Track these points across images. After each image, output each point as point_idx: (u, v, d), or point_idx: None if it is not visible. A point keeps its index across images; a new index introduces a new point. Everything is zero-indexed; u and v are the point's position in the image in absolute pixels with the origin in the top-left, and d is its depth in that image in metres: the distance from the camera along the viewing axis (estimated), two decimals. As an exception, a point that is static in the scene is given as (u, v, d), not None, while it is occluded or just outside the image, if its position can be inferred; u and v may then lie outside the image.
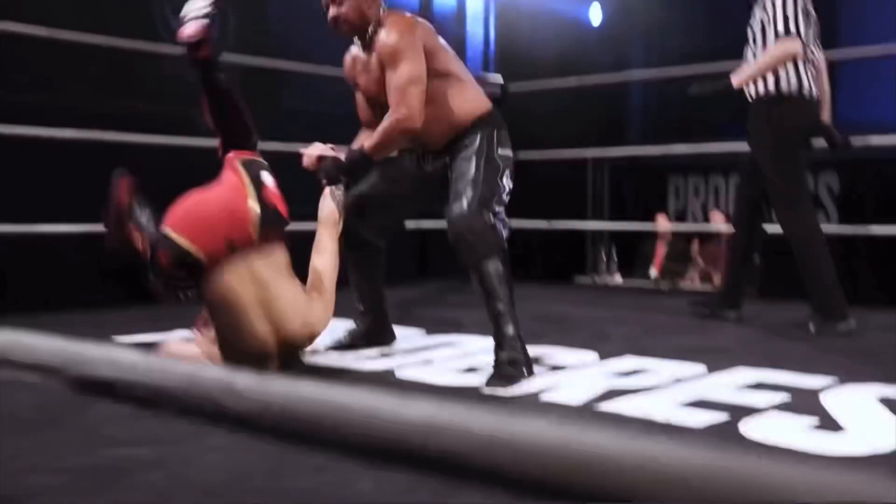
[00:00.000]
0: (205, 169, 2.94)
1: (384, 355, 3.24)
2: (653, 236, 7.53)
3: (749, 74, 4.04)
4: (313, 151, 3.00)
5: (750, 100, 4.23)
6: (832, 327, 3.79)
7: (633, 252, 7.81)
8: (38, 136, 4.38)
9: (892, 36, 9.45)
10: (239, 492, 1.75)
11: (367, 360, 3.16)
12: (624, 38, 10.25)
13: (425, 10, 9.70)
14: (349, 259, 3.19)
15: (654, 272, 7.28)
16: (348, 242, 3.11)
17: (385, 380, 2.85)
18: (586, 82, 6.53)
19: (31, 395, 2.29)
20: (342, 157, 2.95)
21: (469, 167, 2.89)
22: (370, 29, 2.96)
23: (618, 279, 7.32)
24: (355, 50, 3.14)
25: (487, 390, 2.68)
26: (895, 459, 1.93)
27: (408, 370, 2.96)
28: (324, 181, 2.97)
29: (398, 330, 3.45)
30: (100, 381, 0.66)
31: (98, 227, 4.24)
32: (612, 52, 9.91)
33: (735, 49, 4.95)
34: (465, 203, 2.81)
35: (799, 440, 2.09)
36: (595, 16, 10.62)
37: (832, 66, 10.31)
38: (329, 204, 2.94)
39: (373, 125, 3.07)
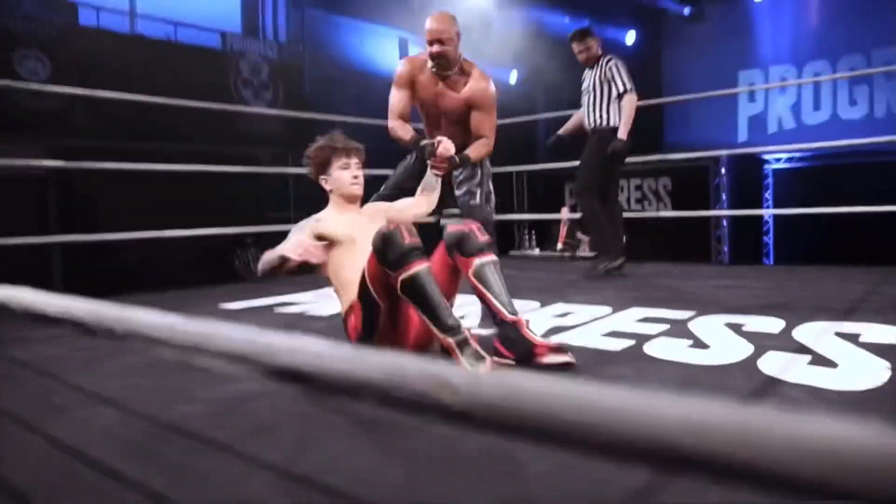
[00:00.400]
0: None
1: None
2: (557, 222, 7.52)
3: (627, 127, 4.07)
4: (450, 148, 2.54)
5: (589, 129, 4.27)
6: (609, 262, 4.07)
7: (545, 232, 7.81)
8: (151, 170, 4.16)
9: (699, 86, 9.53)
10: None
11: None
12: (532, 91, 10.20)
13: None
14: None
15: (559, 246, 7.27)
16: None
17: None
18: (513, 121, 6.40)
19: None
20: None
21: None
22: (455, 68, 2.79)
23: (536, 251, 7.30)
24: (418, 65, 2.84)
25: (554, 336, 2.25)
26: (745, 365, 1.91)
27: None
28: (438, 172, 2.54)
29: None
30: (295, 371, 0.53)
31: (202, 231, 4.11)
32: (526, 99, 9.87)
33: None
34: (478, 198, 2.71)
35: (681, 356, 2.07)
36: (513, 77, 10.55)
37: (661, 107, 10.37)
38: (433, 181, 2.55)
39: (408, 120, 2.86)
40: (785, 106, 9.96)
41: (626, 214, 4.75)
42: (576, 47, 4.30)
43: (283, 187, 7.83)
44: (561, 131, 4.70)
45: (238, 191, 6.74)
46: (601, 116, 4.16)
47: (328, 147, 2.37)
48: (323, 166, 2.36)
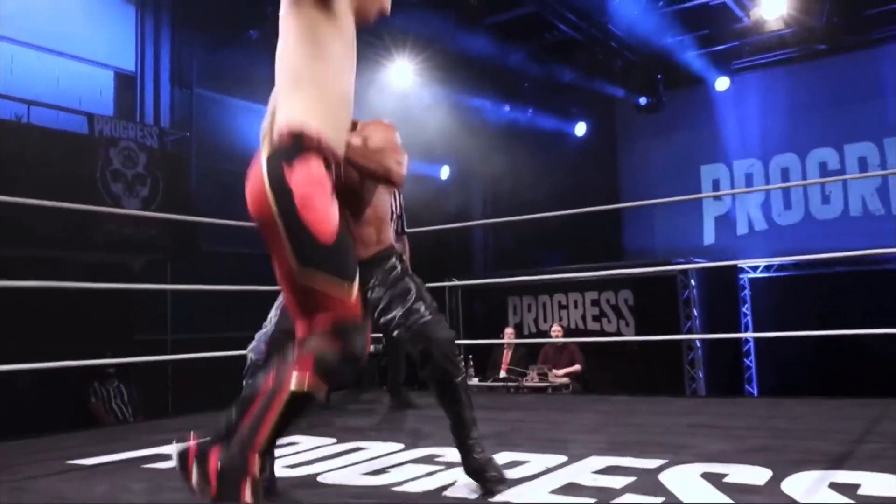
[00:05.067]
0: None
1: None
2: (500, 346, 7.61)
3: None
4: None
5: None
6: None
7: (485, 359, 7.85)
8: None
9: (659, 183, 10.10)
10: None
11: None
12: (468, 190, 10.55)
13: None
14: None
15: (502, 374, 7.31)
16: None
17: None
18: (444, 228, 6.57)
19: None
20: None
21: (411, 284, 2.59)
22: None
23: (475, 381, 7.30)
24: None
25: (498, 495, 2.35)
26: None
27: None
28: None
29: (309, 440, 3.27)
30: None
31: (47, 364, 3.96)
32: (461, 200, 10.19)
33: (554, 201, 5.15)
34: (442, 321, 2.53)
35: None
36: (444, 173, 10.92)
37: (618, 212, 10.88)
38: None
39: None
40: (754, 204, 10.65)
41: (582, 338, 4.89)
42: None
43: (158, 304, 7.66)
44: None
45: (101, 309, 6.56)
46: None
47: None
48: None
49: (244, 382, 2.79)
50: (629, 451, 2.93)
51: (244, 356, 5.06)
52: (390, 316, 2.54)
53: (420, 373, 2.55)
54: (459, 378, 2.48)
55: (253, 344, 2.94)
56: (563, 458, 2.87)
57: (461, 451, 2.49)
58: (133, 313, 7.22)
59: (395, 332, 2.55)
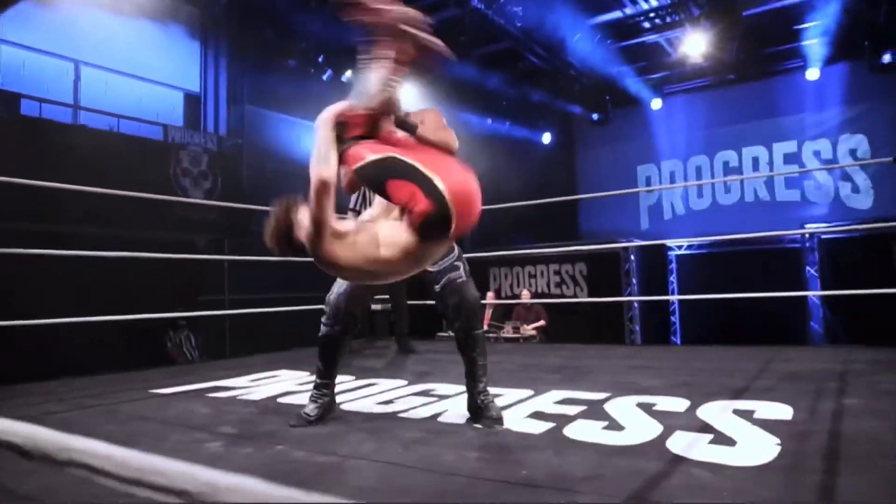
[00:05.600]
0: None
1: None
2: (483, 305, 7.61)
3: None
4: None
5: None
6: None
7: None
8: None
9: (607, 179, 10.09)
10: None
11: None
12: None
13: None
14: (342, 343, 2.55)
15: (485, 326, 7.31)
16: (347, 328, 2.51)
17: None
18: None
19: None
20: None
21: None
22: None
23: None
24: None
25: (487, 428, 2.25)
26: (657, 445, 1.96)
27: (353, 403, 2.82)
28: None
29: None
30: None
31: (135, 316, 3.96)
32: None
33: (526, 193, 5.11)
34: (472, 283, 2.45)
35: (598, 437, 2.10)
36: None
37: (576, 203, 10.82)
38: None
39: None
40: (676, 195, 10.70)
41: (547, 300, 4.92)
42: None
43: (218, 272, 7.65)
44: None
45: (175, 275, 6.54)
46: None
47: None
48: None
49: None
50: (581, 386, 2.95)
51: (285, 312, 5.06)
52: (437, 268, 2.45)
53: (448, 323, 2.48)
54: (480, 331, 2.42)
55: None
56: (531, 392, 2.89)
57: (469, 391, 2.39)
58: (199, 279, 7.20)
59: (438, 284, 2.45)
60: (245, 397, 3.09)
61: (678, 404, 2.48)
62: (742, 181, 10.05)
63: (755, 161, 10.04)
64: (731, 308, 7.51)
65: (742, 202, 10.12)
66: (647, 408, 2.44)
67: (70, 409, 2.89)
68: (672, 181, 10.66)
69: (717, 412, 2.33)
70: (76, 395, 3.24)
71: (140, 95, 7.48)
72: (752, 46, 8.98)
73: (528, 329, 7.37)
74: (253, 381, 3.53)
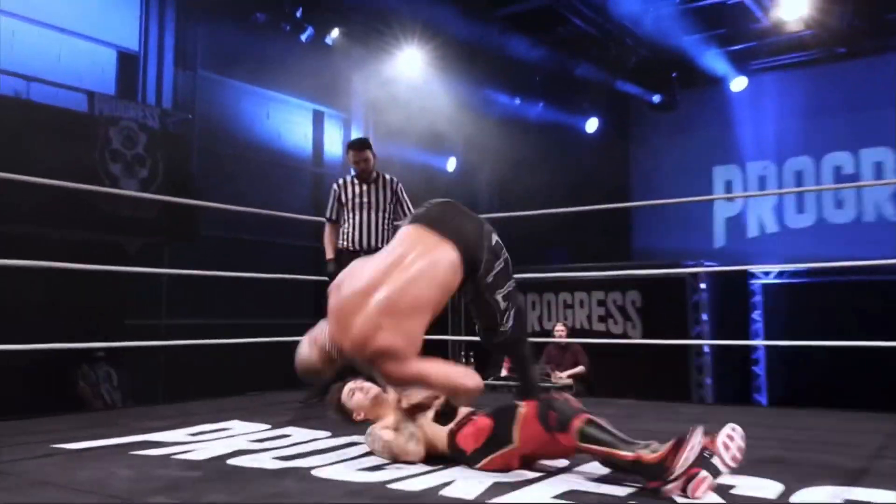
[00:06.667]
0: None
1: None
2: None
3: None
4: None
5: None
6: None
7: (486, 357, 7.80)
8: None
9: (671, 182, 10.05)
10: None
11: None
12: (475, 183, 10.51)
13: (317, 158, 9.72)
14: None
15: (503, 373, 7.26)
16: None
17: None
18: None
19: None
20: None
21: None
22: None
23: (475, 379, 7.27)
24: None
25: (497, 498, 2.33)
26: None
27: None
28: None
29: (304, 432, 3.22)
30: None
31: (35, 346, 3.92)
32: (467, 193, 10.20)
33: (563, 197, 5.11)
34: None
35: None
36: (451, 165, 10.88)
37: (628, 212, 10.93)
38: None
39: None
40: (766, 207, 10.62)
41: (588, 339, 4.89)
42: (351, 157, 4.77)
43: (153, 288, 7.63)
44: (331, 268, 4.81)
45: (94, 291, 6.53)
46: (385, 235, 4.67)
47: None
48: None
49: None
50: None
51: (241, 345, 5.01)
52: None
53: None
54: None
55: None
56: (565, 463, 2.82)
57: None
58: (126, 297, 7.19)
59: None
60: (183, 456, 3.03)
61: (768, 488, 2.41)
62: (860, 193, 9.94)
63: (878, 167, 9.94)
64: (839, 358, 7.40)
65: (859, 222, 10.00)
66: (723, 491, 2.37)
67: None
68: (762, 188, 10.60)
69: (822, 502, 2.25)
70: None
71: (59, 52, 7.51)
72: (870, 10, 8.95)
73: (563, 377, 7.30)
74: (193, 434, 3.48)
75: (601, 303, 9.01)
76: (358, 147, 4.76)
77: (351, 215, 4.76)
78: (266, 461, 2.82)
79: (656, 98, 11.05)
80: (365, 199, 4.67)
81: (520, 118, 10.51)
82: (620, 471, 2.42)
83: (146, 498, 2.39)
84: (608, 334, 8.81)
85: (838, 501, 2.26)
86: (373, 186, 4.71)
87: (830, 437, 3.50)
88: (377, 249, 4.44)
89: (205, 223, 7.55)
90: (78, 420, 4.12)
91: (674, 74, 10.77)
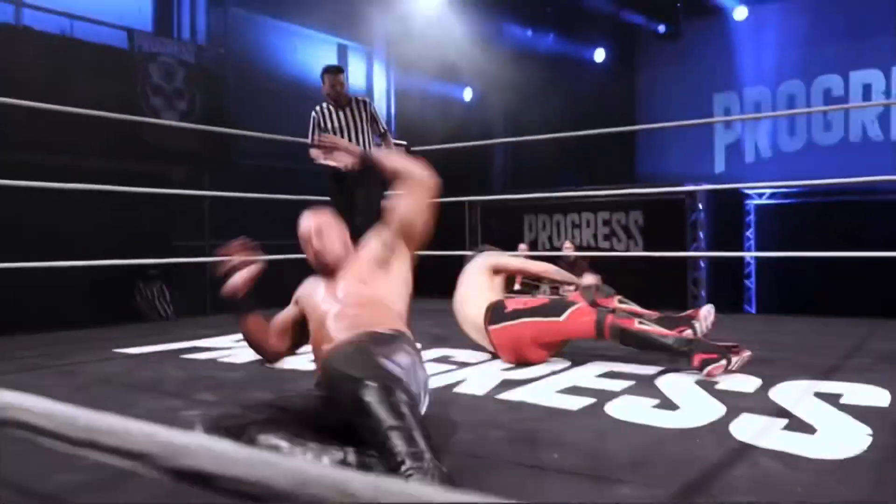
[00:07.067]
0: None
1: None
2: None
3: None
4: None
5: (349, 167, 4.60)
6: None
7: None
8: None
9: (674, 110, 9.90)
10: None
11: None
12: (489, 111, 10.40)
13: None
14: None
15: (517, 287, 7.34)
16: None
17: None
18: (466, 146, 6.44)
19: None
20: None
21: None
22: None
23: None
24: None
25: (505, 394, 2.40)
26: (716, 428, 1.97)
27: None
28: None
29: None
30: (197, 473, 0.55)
31: (96, 262, 4.02)
32: (481, 121, 10.12)
33: (572, 123, 5.07)
34: None
35: (646, 418, 2.11)
36: (467, 94, 10.76)
37: (633, 135, 10.77)
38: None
39: None
40: (762, 132, 10.46)
41: (593, 252, 4.94)
42: (328, 81, 4.64)
43: (196, 212, 7.73)
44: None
45: (143, 215, 6.62)
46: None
47: None
48: None
49: None
50: (629, 358, 2.96)
51: (279, 261, 5.09)
52: None
53: None
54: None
55: None
56: (567, 363, 2.92)
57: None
58: (173, 220, 7.29)
59: None
60: (227, 360, 3.16)
61: (747, 383, 2.49)
62: (847, 114, 9.75)
63: (866, 89, 9.70)
64: (822, 270, 7.42)
65: (846, 142, 9.84)
66: (707, 386, 2.45)
67: (19, 370, 2.98)
68: (758, 112, 10.41)
69: (795, 394, 2.34)
70: (26, 354, 3.34)
71: None
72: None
73: (570, 289, 7.37)
74: (237, 341, 3.59)
75: (606, 222, 9.01)
76: (334, 71, 4.65)
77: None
78: (298, 363, 2.92)
79: (662, 28, 10.80)
80: (343, 123, 4.60)
81: (532, 49, 10.32)
82: (656, 349, 2.72)
83: (195, 395, 2.52)
84: (612, 250, 8.84)
85: (808, 394, 2.34)
86: (347, 110, 4.62)
87: (809, 340, 3.57)
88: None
89: (238, 152, 7.59)
90: (136, 329, 4.27)
91: (678, 4, 10.49)
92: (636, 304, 3.25)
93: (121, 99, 6.47)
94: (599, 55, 11.26)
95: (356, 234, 2.57)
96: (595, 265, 7.59)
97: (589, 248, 8.88)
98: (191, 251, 6.91)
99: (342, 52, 9.72)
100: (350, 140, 4.60)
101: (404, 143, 5.47)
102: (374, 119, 4.65)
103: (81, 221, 6.00)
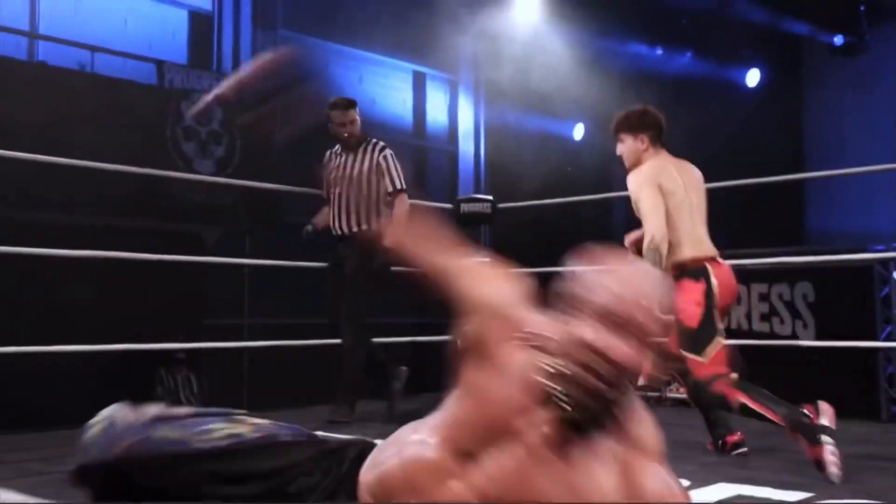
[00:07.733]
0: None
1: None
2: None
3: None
4: None
5: (342, 233, 4.81)
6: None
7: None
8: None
9: (856, 147, 9.76)
10: None
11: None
12: (607, 153, 10.50)
13: (419, 128, 9.94)
14: None
15: (640, 381, 7.32)
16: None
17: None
18: (576, 200, 6.53)
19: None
20: None
21: None
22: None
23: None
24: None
25: None
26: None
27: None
28: None
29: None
30: None
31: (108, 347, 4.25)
32: (597, 166, 10.21)
33: (717, 168, 5.15)
34: None
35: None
36: (578, 132, 10.92)
37: (801, 185, 10.68)
38: None
39: None
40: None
41: (745, 340, 4.97)
42: (335, 118, 4.70)
43: (234, 283, 7.93)
44: (315, 220, 5.08)
45: (169, 286, 6.83)
46: (367, 217, 4.60)
47: None
48: None
49: None
50: (771, 480, 2.95)
51: (329, 345, 5.28)
52: None
53: None
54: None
55: None
56: (686, 483, 2.93)
57: None
58: (206, 293, 7.43)
59: None
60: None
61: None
62: None
63: None
64: None
65: None
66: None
67: (12, 476, 3.18)
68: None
69: None
70: (19, 456, 3.53)
71: (124, 16, 7.76)
72: None
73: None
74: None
75: (763, 297, 8.88)
76: (343, 107, 4.74)
77: (332, 191, 4.82)
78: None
79: (838, 39, 10.72)
80: (345, 171, 4.70)
81: (662, 72, 10.42)
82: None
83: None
84: (772, 336, 8.69)
85: None
86: (352, 155, 4.68)
87: None
88: (350, 234, 4.61)
89: (288, 209, 7.69)
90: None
91: (861, 8, 10.41)
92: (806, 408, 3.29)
93: (145, 144, 6.72)
94: (753, 77, 11.27)
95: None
96: (748, 353, 7.48)
97: (740, 333, 8.75)
98: (225, 332, 7.06)
99: (419, 80, 10.02)
100: (349, 196, 4.66)
101: (489, 198, 5.54)
102: (382, 170, 4.65)
103: (90, 294, 6.19)
